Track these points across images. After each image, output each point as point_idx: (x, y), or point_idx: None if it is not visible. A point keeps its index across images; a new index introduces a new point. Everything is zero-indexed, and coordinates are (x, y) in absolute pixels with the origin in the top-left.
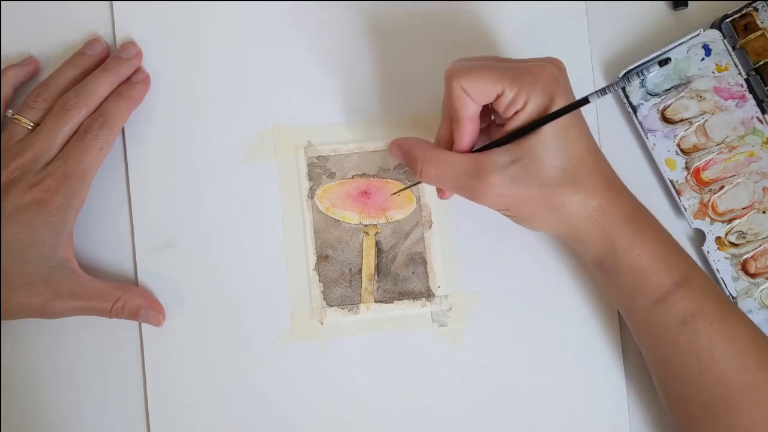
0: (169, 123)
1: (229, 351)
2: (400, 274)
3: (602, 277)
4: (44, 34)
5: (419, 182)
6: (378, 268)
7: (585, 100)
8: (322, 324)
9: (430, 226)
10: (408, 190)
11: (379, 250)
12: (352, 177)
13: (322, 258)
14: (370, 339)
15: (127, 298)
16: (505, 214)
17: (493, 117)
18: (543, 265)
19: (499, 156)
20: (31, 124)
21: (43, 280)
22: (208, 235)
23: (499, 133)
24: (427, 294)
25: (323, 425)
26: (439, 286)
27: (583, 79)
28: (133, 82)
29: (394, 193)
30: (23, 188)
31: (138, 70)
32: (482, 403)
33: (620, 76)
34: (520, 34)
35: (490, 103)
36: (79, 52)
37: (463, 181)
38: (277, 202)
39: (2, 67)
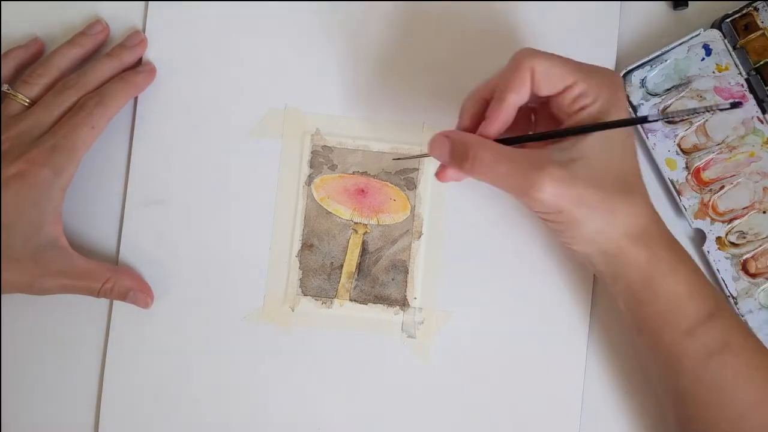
0: (181, 91)
1: (196, 320)
2: (380, 278)
3: (632, 304)
4: (49, 17)
5: (425, 155)
6: (359, 268)
7: (645, 119)
8: (293, 311)
9: (419, 236)
10: (405, 198)
11: (364, 250)
12: (353, 173)
13: (306, 246)
14: (337, 336)
15: (116, 279)
16: (553, 219)
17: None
18: (524, 296)
19: (558, 152)
20: (27, 101)
21: (31, 257)
22: (199, 204)
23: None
24: (402, 303)
25: (273, 410)
26: (415, 298)
27: None
28: (138, 70)
29: (395, 159)
30: (9, 161)
31: (146, 62)
32: (439, 419)
33: (620, 75)
34: (548, 33)
35: (552, 96)
36: (80, 32)
37: (521, 172)
38: (273, 183)
39: (7, 48)
